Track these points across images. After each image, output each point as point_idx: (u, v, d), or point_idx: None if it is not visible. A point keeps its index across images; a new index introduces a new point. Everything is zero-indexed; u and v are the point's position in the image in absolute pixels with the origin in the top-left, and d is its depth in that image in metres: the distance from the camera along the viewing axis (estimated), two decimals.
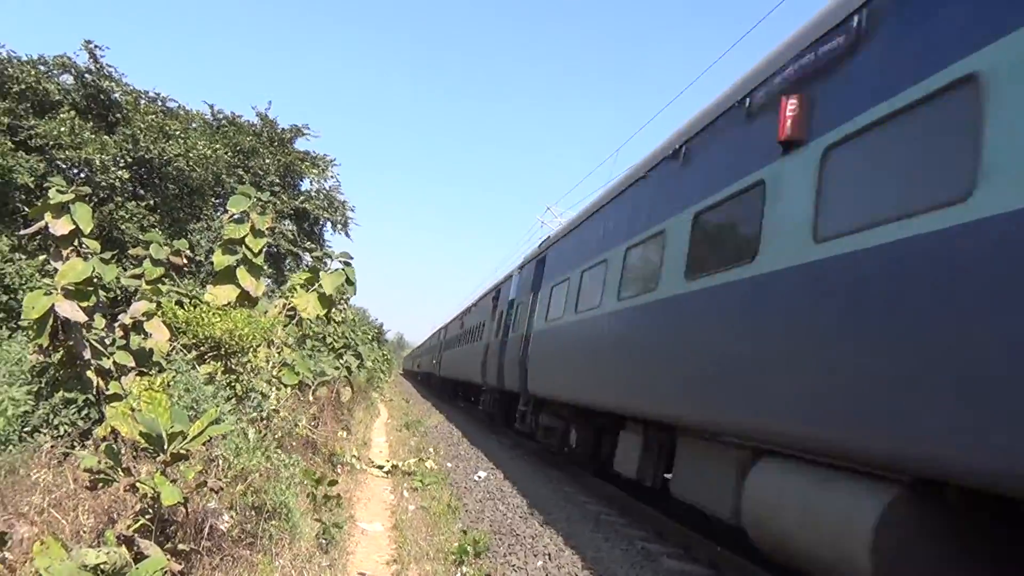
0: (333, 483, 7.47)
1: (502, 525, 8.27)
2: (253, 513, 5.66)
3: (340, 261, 10.91)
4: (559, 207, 38.85)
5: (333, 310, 11.19)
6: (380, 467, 11.49)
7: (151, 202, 17.93)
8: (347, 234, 25.72)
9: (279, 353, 9.60)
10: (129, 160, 17.11)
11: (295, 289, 10.91)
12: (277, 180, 22.88)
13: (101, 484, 4.33)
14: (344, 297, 11.24)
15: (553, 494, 10.51)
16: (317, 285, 10.55)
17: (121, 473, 4.29)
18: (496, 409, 18.34)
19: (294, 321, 10.45)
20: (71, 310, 6.29)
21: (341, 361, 14.42)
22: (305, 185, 25.04)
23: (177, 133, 18.28)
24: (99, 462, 4.30)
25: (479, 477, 11.67)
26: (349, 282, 10.67)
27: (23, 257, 13.27)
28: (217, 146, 19.75)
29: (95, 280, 6.96)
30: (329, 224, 25.48)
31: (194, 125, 21.33)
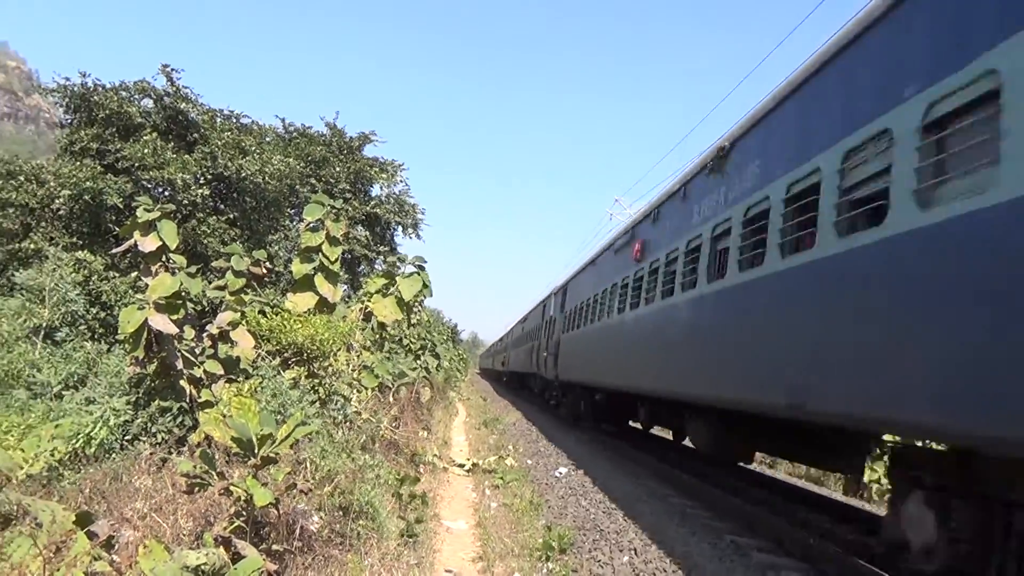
0: (415, 481, 7.58)
1: (585, 521, 8.21)
2: (341, 513, 5.79)
3: (414, 265, 11.01)
4: (627, 198, 38.23)
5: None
6: (461, 465, 11.60)
7: (231, 216, 18.59)
8: (418, 235, 26.12)
9: (358, 356, 9.81)
10: (208, 177, 17.79)
11: (370, 294, 11.11)
12: (348, 187, 23.44)
13: (198, 488, 4.50)
14: (419, 300, 11.38)
15: (636, 489, 10.38)
16: (394, 290, 10.70)
17: (216, 477, 4.45)
18: None
19: (371, 325, 10.65)
20: (163, 323, 6.57)
21: (419, 362, 14.63)
22: (375, 190, 25.57)
23: (253, 148, 18.90)
24: (195, 467, 4.47)
25: (560, 473, 11.64)
26: (424, 285, 10.80)
27: (116, 275, 13.96)
28: (290, 158, 20.35)
29: (183, 293, 7.27)
30: (400, 228, 25.92)
31: (268, 139, 22.04)
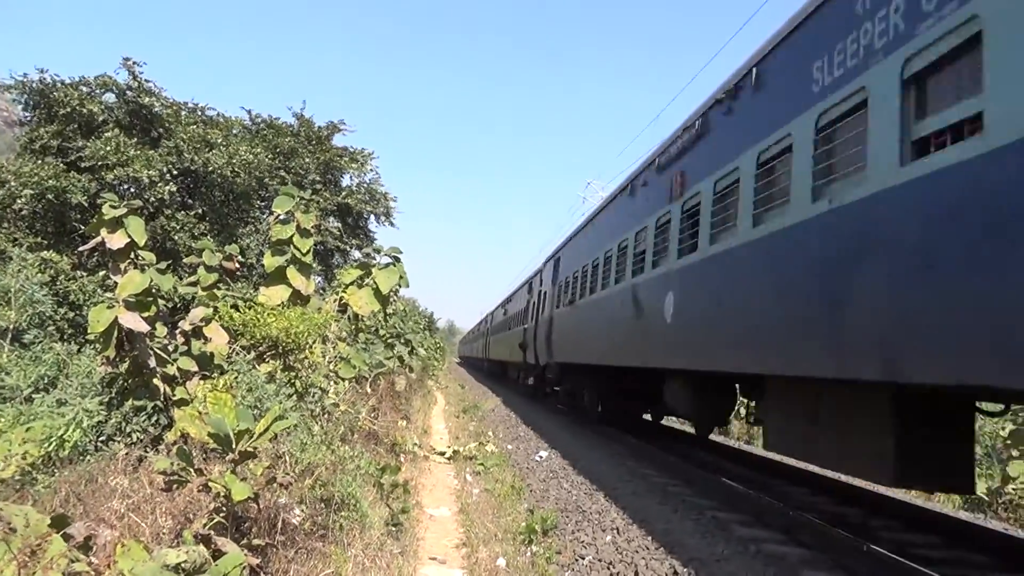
0: (396, 471, 7.57)
1: (568, 503, 8.27)
2: (323, 506, 5.76)
3: (390, 256, 10.93)
4: (600, 181, 38.12)
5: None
6: (442, 453, 11.60)
7: (200, 211, 18.31)
8: (392, 223, 25.88)
9: (334, 348, 9.75)
10: (175, 172, 17.48)
11: (345, 285, 11.01)
12: (318, 178, 23.14)
13: (176, 485, 4.46)
14: (396, 291, 11.31)
15: (617, 469, 10.47)
16: (370, 281, 10.62)
17: (194, 474, 4.40)
18: None
19: (346, 316, 10.58)
20: (134, 321, 6.47)
21: (393, 351, 14.58)
22: (346, 181, 25.27)
23: (219, 141, 18.60)
24: (172, 464, 4.42)
25: (540, 457, 11.70)
26: (400, 277, 10.73)
27: (84, 274, 13.71)
28: (258, 150, 20.05)
29: (154, 290, 7.16)
30: (373, 216, 25.68)
31: (234, 132, 21.68)
